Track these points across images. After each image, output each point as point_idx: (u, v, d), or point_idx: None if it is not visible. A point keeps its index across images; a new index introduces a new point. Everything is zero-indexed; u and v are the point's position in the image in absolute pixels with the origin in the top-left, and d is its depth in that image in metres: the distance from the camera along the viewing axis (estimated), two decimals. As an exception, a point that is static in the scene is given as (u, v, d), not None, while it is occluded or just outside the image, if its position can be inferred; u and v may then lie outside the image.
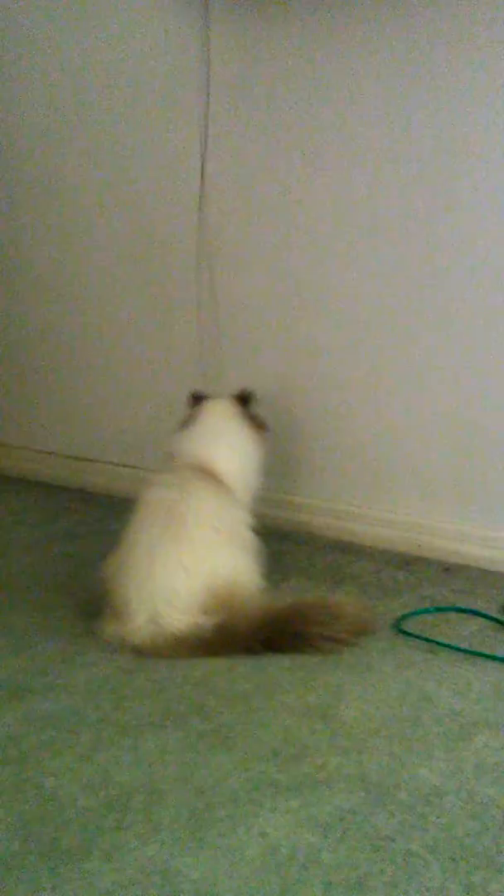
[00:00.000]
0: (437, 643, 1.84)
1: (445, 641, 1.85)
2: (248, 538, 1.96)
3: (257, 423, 2.15)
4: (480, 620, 1.96)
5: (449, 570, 2.22)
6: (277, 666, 1.76)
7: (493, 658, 1.78)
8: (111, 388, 2.72)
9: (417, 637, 1.88)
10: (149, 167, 2.47)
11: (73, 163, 2.60)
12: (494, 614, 1.97)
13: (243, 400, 2.15)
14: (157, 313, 2.58)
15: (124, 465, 2.75)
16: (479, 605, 2.02)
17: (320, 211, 2.26)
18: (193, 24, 2.28)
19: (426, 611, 1.99)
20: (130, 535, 1.89)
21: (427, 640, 1.86)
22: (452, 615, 1.99)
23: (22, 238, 2.77)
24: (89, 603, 2.02)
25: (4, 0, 2.59)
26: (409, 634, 1.89)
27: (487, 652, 1.81)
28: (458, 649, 1.82)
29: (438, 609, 2.00)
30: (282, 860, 1.24)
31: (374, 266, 2.22)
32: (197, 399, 2.17)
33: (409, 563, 2.26)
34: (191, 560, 1.84)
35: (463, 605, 2.02)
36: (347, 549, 2.34)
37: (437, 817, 1.32)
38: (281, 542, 2.38)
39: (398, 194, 2.14)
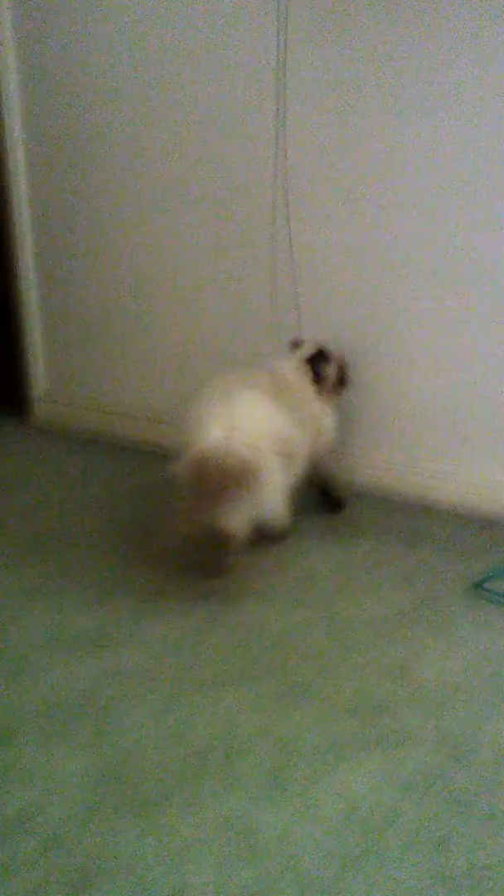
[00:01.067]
0: (518, 603, 1.81)
1: (527, 602, 1.82)
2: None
3: (323, 382, 2.19)
4: None
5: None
6: (356, 622, 1.74)
7: None
8: (185, 346, 2.71)
9: (496, 594, 1.84)
10: (225, 119, 2.43)
11: (149, 117, 2.57)
12: None
13: (314, 360, 2.16)
14: (232, 269, 2.54)
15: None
16: None
17: (401, 164, 2.19)
18: None
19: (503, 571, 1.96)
20: (207, 390, 1.97)
21: (507, 600, 1.83)
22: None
23: (99, 201, 2.76)
24: (164, 558, 2.02)
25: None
26: (489, 593, 1.85)
27: None
28: (540, 610, 1.78)
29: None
30: (362, 818, 1.23)
31: (456, 225, 2.15)
32: (295, 345, 2.24)
33: (487, 526, 2.21)
34: (261, 411, 1.95)
35: (544, 566, 1.97)
36: (425, 511, 2.30)
37: (522, 778, 1.29)
38: (358, 502, 2.35)
39: (485, 149, 2.07)
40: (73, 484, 2.53)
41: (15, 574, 1.97)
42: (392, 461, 2.42)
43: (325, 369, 2.19)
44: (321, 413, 2.17)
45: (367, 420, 2.43)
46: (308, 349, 2.21)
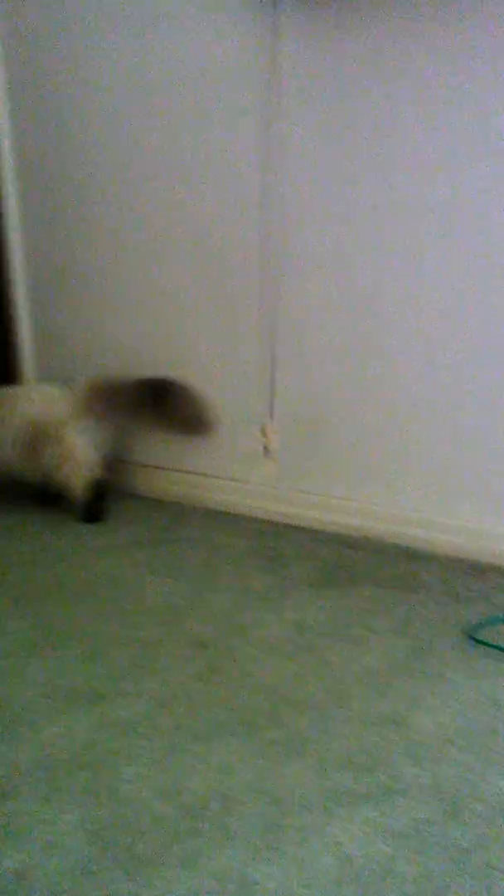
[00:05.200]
0: (512, 652, 1.82)
1: (520, 650, 1.83)
2: None
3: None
4: None
5: (522, 577, 2.19)
6: (349, 672, 1.75)
7: None
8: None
9: (490, 646, 1.85)
10: (211, 172, 2.48)
11: (137, 167, 2.62)
12: None
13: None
14: (221, 321, 2.59)
15: (191, 473, 2.76)
16: None
17: (388, 217, 2.24)
18: (261, 27, 2.28)
19: (499, 619, 1.97)
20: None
21: (501, 648, 1.84)
22: (526, 624, 1.96)
23: (76, 243, 2.81)
24: (159, 611, 2.04)
25: (72, 5, 2.63)
26: (481, 643, 1.87)
27: None
28: (533, 658, 1.79)
29: (512, 617, 1.98)
30: (358, 870, 1.24)
31: (446, 276, 2.20)
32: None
33: (481, 572, 2.23)
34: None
35: (537, 614, 1.99)
36: (417, 557, 2.32)
37: (516, 830, 1.30)
38: (350, 549, 2.37)
39: (471, 202, 2.12)
40: (69, 536, 2.54)
41: (7, 628, 1.98)
42: (382, 507, 2.45)
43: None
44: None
45: (358, 466, 2.46)
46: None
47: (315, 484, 2.56)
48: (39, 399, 2.66)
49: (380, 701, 1.66)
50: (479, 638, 1.88)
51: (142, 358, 2.78)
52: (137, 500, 2.84)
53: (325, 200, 2.32)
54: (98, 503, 2.65)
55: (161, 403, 2.58)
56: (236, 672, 1.77)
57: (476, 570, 2.25)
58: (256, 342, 2.54)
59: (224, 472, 2.72)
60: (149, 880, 1.23)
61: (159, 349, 2.75)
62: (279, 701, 1.66)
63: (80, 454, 2.60)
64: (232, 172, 2.45)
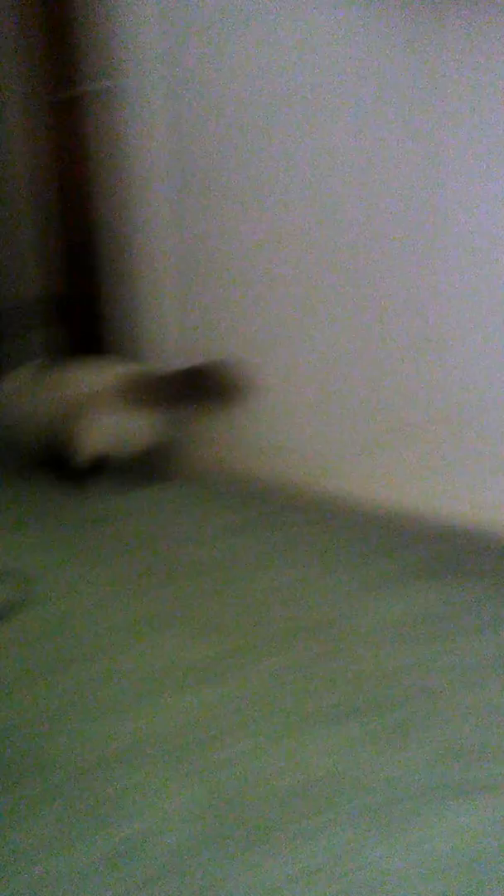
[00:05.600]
0: None
1: None
2: None
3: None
4: None
5: None
6: (467, 662, 1.74)
7: None
8: (294, 382, 2.75)
9: None
10: (363, 177, 2.46)
11: (280, 166, 2.63)
12: None
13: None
14: (363, 323, 2.57)
15: (306, 459, 2.77)
16: None
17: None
18: (421, 31, 2.25)
19: None
20: None
21: None
22: None
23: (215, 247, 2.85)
24: (274, 593, 2.06)
25: (199, 14, 2.66)
26: None
27: None
28: None
29: None
30: (473, 858, 1.24)
31: None
32: None
33: None
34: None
35: None
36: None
37: None
38: (458, 542, 2.35)
39: None
40: (185, 519, 2.59)
41: (124, 606, 2.03)
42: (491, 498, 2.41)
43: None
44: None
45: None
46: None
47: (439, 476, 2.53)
48: (84, 375, 2.85)
49: (498, 691, 1.64)
50: None
51: (263, 348, 2.80)
52: (254, 486, 2.87)
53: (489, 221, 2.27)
54: (87, 474, 2.88)
55: (199, 390, 2.75)
56: (351, 657, 1.78)
57: None
58: (404, 343, 2.52)
59: (343, 458, 2.72)
60: (265, 855, 1.26)
61: (286, 342, 2.77)
62: (395, 687, 1.66)
63: (97, 425, 2.79)
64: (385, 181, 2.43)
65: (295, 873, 1.22)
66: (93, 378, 2.83)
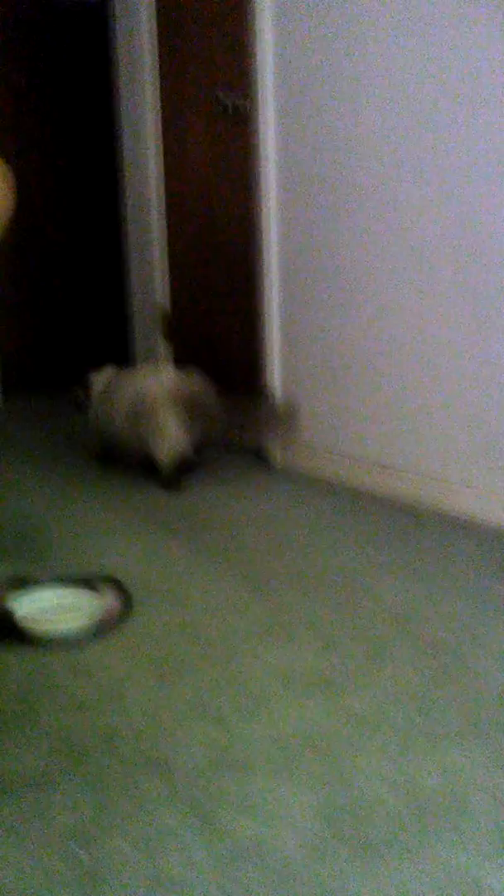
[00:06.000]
0: None
1: None
2: None
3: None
4: None
5: None
6: None
7: None
8: (418, 399, 2.74)
9: None
10: (487, 182, 2.45)
11: (409, 176, 2.63)
12: None
13: None
14: (473, 324, 2.56)
15: (430, 477, 2.75)
16: None
17: None
18: None
19: None
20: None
21: None
22: None
23: (347, 253, 2.86)
24: (393, 609, 2.05)
25: (348, 22, 2.69)
26: None
27: None
28: None
29: None
30: None
31: None
32: None
33: None
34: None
35: None
36: None
37: None
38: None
39: None
40: (306, 529, 2.61)
41: (247, 613, 2.06)
42: None
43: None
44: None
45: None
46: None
47: None
48: (149, 379, 3.00)
49: None
50: None
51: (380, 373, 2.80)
52: (375, 500, 2.87)
53: None
54: (178, 476, 2.99)
55: (244, 421, 2.96)
56: (470, 677, 1.76)
57: None
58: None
59: (468, 479, 2.68)
60: (376, 867, 1.25)
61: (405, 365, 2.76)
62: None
63: (169, 429, 2.91)
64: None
65: (407, 891, 1.21)
66: (156, 382, 2.98)
